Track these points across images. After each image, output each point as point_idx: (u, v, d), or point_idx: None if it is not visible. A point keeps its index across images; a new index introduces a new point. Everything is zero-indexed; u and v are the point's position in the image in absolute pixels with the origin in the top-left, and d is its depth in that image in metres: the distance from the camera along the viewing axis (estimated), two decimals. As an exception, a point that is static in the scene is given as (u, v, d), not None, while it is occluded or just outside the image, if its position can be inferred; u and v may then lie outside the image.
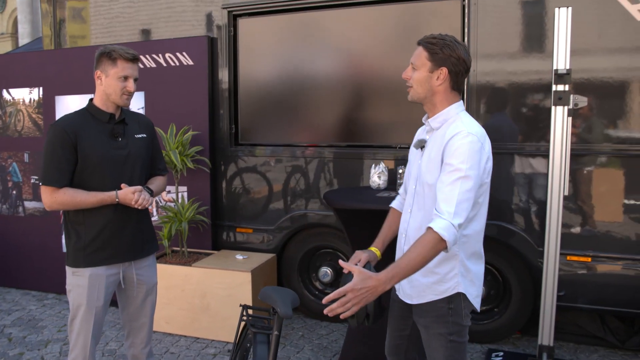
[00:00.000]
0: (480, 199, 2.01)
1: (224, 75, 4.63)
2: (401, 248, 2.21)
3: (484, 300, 4.07)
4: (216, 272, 4.12)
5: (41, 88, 5.16)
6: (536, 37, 3.68)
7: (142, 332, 2.84)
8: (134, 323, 2.82)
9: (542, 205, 3.75)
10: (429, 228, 1.85)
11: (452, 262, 2.02)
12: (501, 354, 3.85)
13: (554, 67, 3.30)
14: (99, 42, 5.11)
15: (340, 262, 1.91)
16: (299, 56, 4.42)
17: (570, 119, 3.35)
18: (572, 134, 3.46)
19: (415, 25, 4.05)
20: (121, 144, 2.65)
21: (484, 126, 2.08)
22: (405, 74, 2.12)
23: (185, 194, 4.70)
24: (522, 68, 3.73)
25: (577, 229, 3.74)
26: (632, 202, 3.61)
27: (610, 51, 3.52)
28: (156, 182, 2.84)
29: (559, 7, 3.27)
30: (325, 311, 1.79)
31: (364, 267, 2.14)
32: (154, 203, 2.70)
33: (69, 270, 2.63)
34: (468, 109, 3.68)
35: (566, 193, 3.43)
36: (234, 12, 4.57)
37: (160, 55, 4.69)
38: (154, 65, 4.71)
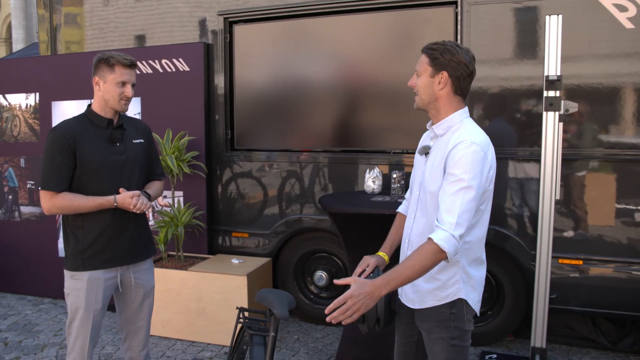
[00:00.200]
0: (482, 206, 2.02)
1: (219, 81, 4.68)
2: (404, 253, 2.23)
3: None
4: (212, 276, 4.15)
5: (38, 93, 5.19)
6: (528, 43, 3.74)
7: (139, 334, 2.87)
8: (132, 326, 2.85)
9: (534, 209, 3.80)
10: (430, 239, 1.89)
11: (454, 268, 2.04)
12: (494, 356, 3.89)
13: (545, 74, 3.36)
14: (93, 47, 5.15)
15: (335, 281, 1.93)
16: (294, 62, 4.47)
17: (561, 124, 3.41)
18: (563, 139, 3.52)
19: (408, 32, 4.11)
20: (119, 149, 2.69)
21: None
22: (410, 81, 2.13)
23: (182, 199, 4.73)
24: (514, 74, 3.80)
25: (568, 233, 3.80)
26: (622, 206, 3.67)
27: (600, 58, 3.59)
28: (154, 187, 2.87)
29: (550, 15, 3.33)
30: (327, 319, 1.83)
31: (373, 272, 2.16)
32: (150, 208, 2.72)
33: (67, 273, 2.66)
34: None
35: (558, 197, 3.48)
36: (229, 19, 4.61)
37: (156, 61, 4.73)
38: (150, 71, 4.75)
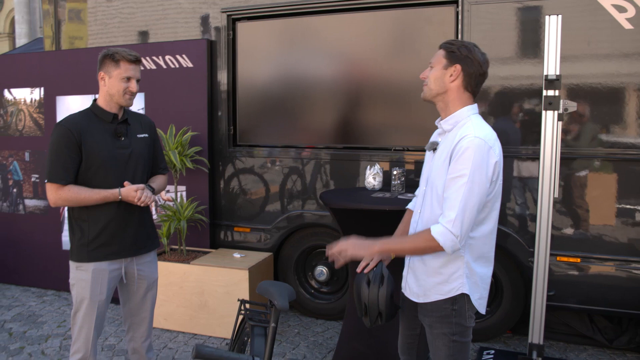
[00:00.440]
0: (490, 202, 2.05)
1: (222, 77, 4.72)
2: None
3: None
4: (214, 269, 4.21)
5: (42, 88, 5.24)
6: (528, 43, 3.78)
7: (142, 326, 2.92)
8: (135, 317, 2.90)
9: (533, 207, 3.85)
10: (429, 229, 1.99)
11: (457, 263, 2.07)
12: (492, 352, 3.94)
13: (545, 73, 3.39)
14: (96, 43, 5.19)
15: (327, 250, 2.13)
16: (296, 60, 4.52)
17: (560, 123, 3.45)
18: (562, 138, 3.56)
19: (410, 31, 4.15)
20: (124, 144, 2.73)
21: None
22: (422, 74, 2.18)
23: (184, 194, 4.78)
24: (514, 73, 3.84)
25: (567, 231, 3.84)
26: (621, 205, 3.71)
27: (599, 58, 3.63)
28: (157, 181, 2.92)
29: (550, 15, 3.37)
30: (327, 254, 2.14)
31: (376, 265, 2.22)
32: (153, 202, 2.77)
33: (72, 264, 2.71)
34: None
35: (556, 195, 3.52)
36: (232, 16, 4.66)
37: (160, 57, 4.77)
38: (154, 67, 4.80)
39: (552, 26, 3.37)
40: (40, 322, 4.52)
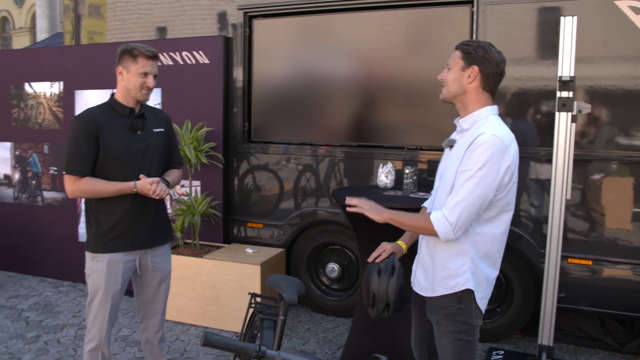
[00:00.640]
0: (500, 203, 2.06)
1: (238, 74, 4.77)
2: (420, 242, 2.34)
3: (486, 300, 4.17)
4: (227, 264, 4.26)
5: (62, 82, 5.33)
6: (543, 44, 3.77)
7: (155, 317, 2.98)
8: (148, 308, 2.96)
9: (546, 209, 3.84)
10: (430, 213, 2.07)
11: (464, 258, 2.10)
12: (502, 352, 3.95)
13: (559, 74, 3.39)
14: (115, 38, 5.27)
15: (347, 199, 2.23)
16: (311, 57, 4.55)
17: (573, 124, 3.44)
18: (575, 140, 3.55)
19: (425, 30, 4.16)
20: (140, 137, 2.79)
21: None
22: (440, 75, 2.21)
23: (199, 188, 4.84)
24: (529, 74, 3.83)
25: (579, 233, 3.82)
26: (635, 208, 3.69)
27: (615, 60, 3.61)
28: (172, 175, 2.97)
29: (565, 16, 3.36)
30: (345, 202, 2.23)
31: (387, 258, 2.27)
32: (168, 196, 2.83)
33: (88, 255, 2.77)
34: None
35: (568, 197, 3.51)
36: (249, 13, 4.70)
37: (177, 53, 4.83)
38: (171, 63, 4.86)
39: (568, 27, 3.37)
40: (56, 312, 4.61)
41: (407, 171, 3.87)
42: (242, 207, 4.88)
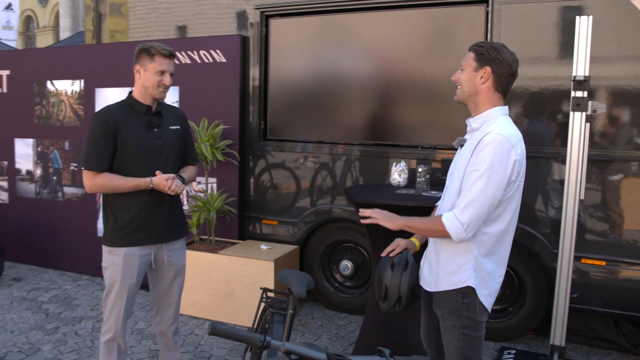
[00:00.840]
0: (505, 201, 2.10)
1: (254, 72, 4.83)
2: (429, 238, 2.38)
3: (499, 299, 4.17)
4: (241, 260, 4.32)
5: (82, 80, 5.44)
6: (558, 43, 3.76)
7: (169, 310, 3.05)
8: (163, 301, 3.03)
9: (558, 209, 3.83)
10: (441, 215, 2.11)
11: (467, 256, 2.14)
12: (513, 351, 3.95)
13: (574, 74, 3.38)
14: (136, 37, 5.37)
15: (361, 210, 2.29)
16: (327, 57, 4.59)
17: (588, 124, 3.43)
18: (591, 140, 3.53)
19: (440, 30, 4.17)
20: (157, 134, 2.85)
21: None
22: (454, 76, 2.25)
23: (215, 185, 4.91)
24: (544, 74, 3.82)
25: (593, 233, 3.81)
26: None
27: (630, 59, 3.59)
28: (188, 171, 3.03)
29: (580, 15, 3.35)
30: (360, 213, 2.31)
31: (401, 253, 2.33)
32: (184, 192, 2.89)
33: (105, 249, 2.85)
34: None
35: (582, 197, 3.50)
36: (266, 13, 4.75)
37: (195, 52, 4.91)
38: (189, 61, 4.93)
39: (583, 26, 3.36)
40: (75, 305, 4.72)
41: (420, 170, 3.89)
42: (257, 204, 4.94)
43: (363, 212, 2.29)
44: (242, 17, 4.86)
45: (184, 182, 2.91)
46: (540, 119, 3.89)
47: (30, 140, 5.76)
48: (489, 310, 2.20)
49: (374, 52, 4.42)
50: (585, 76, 3.34)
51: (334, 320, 4.54)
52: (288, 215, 4.81)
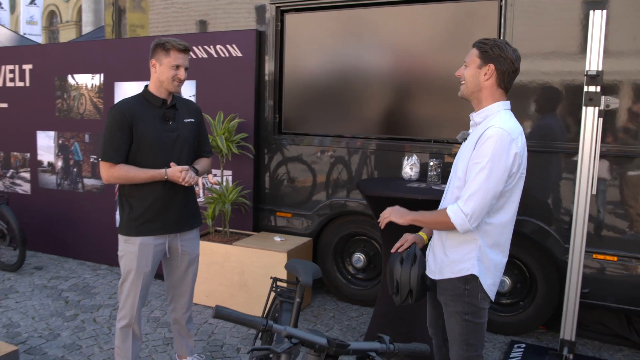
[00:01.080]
0: (508, 192, 2.16)
1: (270, 67, 4.89)
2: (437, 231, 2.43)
3: (509, 293, 4.19)
4: (255, 251, 4.39)
5: (102, 74, 5.55)
6: (571, 38, 3.75)
7: (183, 298, 3.13)
8: (177, 290, 3.11)
9: (569, 203, 3.83)
10: (446, 207, 2.17)
11: (471, 245, 2.21)
12: (523, 345, 3.97)
13: (586, 69, 3.37)
14: (156, 32, 5.45)
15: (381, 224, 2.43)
16: (341, 51, 4.62)
17: (600, 119, 3.42)
18: (604, 135, 3.52)
19: (453, 24, 4.18)
20: (172, 127, 2.93)
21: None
22: (458, 72, 2.32)
23: (230, 178, 4.99)
24: (557, 69, 3.81)
25: (604, 229, 3.80)
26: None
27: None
28: (202, 163, 3.11)
29: (594, 10, 3.34)
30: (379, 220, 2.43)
31: (409, 247, 2.42)
32: (200, 185, 2.97)
33: (121, 238, 2.94)
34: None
35: (594, 192, 3.49)
36: (281, 8, 4.80)
37: (211, 46, 4.98)
38: (205, 56, 5.01)
39: (597, 21, 3.35)
40: (94, 293, 4.85)
41: (431, 163, 3.92)
42: (272, 197, 5.01)
43: (380, 218, 2.42)
44: (258, 12, 4.92)
45: (198, 173, 2.98)
46: (554, 113, 3.88)
47: (52, 133, 5.90)
48: (492, 298, 2.25)
49: (387, 46, 4.44)
50: (598, 71, 3.33)
51: (345, 312, 4.60)
52: (302, 208, 4.87)
